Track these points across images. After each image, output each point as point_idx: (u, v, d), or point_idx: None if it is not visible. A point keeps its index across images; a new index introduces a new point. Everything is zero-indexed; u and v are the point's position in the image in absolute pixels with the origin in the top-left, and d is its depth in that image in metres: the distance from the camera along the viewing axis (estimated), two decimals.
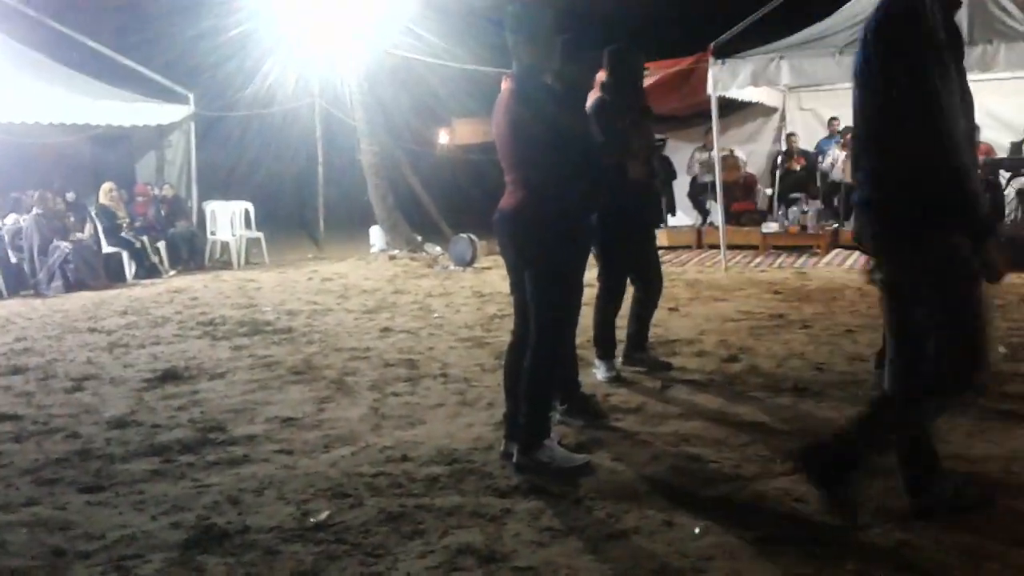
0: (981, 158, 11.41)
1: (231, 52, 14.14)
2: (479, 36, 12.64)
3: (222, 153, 16.45)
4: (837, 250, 10.92)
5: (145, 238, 11.35)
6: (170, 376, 5.56)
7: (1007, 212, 11.29)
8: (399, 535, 3.08)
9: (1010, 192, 11.34)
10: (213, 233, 12.59)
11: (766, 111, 13.38)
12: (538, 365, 3.67)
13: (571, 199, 3.68)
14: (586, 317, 5.09)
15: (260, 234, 12.89)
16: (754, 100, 12.51)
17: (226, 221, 12.62)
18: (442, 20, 13.62)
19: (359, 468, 3.77)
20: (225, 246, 12.54)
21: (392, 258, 12.37)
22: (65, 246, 10.06)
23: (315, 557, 2.95)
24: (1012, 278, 8.26)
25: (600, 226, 4.88)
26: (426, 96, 16.23)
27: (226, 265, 12.21)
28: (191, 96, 13.26)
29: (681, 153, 12.59)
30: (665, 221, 12.43)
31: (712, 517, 3.13)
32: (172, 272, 11.42)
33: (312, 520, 3.23)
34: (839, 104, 12.50)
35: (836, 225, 11.49)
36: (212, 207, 12.72)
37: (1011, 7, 10.69)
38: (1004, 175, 11.38)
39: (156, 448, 4.16)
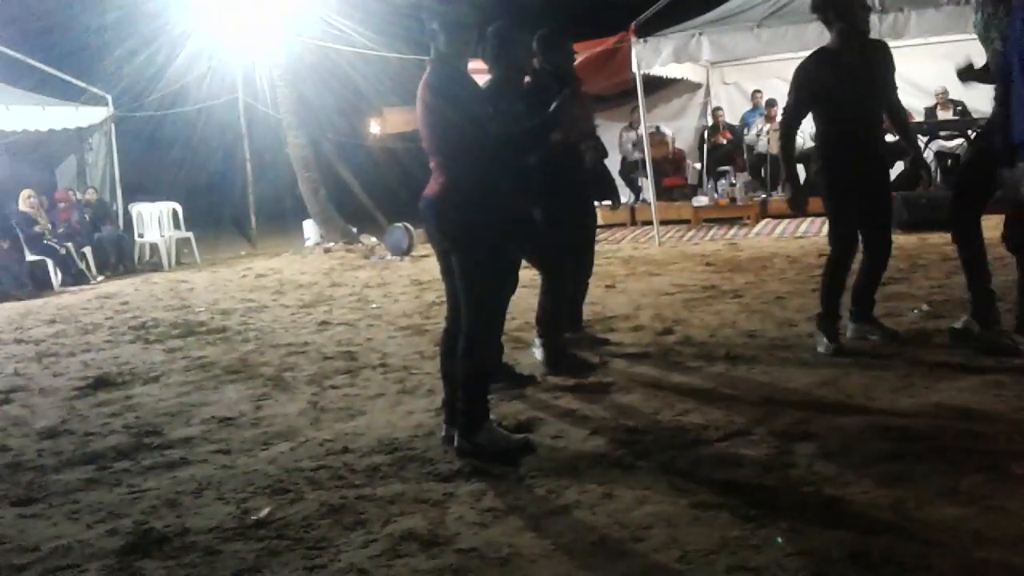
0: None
1: (147, 50, 13.82)
2: (400, 29, 12.59)
3: (146, 154, 16.10)
4: (766, 220, 11.14)
5: (70, 244, 11.06)
6: (102, 383, 5.45)
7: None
8: (341, 526, 3.08)
9: (928, 155, 11.67)
10: (141, 235, 12.33)
11: (691, 87, 13.54)
12: (472, 349, 3.69)
13: (491, 183, 3.69)
14: (523, 299, 5.14)
15: (190, 234, 12.67)
16: (678, 77, 12.66)
17: (153, 222, 12.37)
18: (363, 15, 13.49)
19: (299, 463, 3.75)
20: (154, 248, 12.29)
21: (327, 251, 12.26)
22: None
23: (257, 554, 2.94)
24: (933, 237, 8.54)
25: (552, 204, 4.97)
26: (349, 88, 16.06)
27: (156, 267, 11.98)
28: (109, 97, 12.94)
29: (610, 133, 12.67)
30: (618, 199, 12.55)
31: (650, 487, 3.19)
32: (100, 277, 11.16)
33: (253, 518, 3.21)
34: (760, 77, 12.76)
35: (764, 196, 11.72)
36: (138, 209, 12.45)
37: None
38: (922, 139, 11.71)
39: (90, 456, 4.08)
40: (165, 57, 13.76)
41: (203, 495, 3.49)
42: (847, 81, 4.53)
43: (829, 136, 4.67)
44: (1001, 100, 4.12)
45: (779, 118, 12.22)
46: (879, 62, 4.63)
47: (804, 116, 4.75)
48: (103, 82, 13.03)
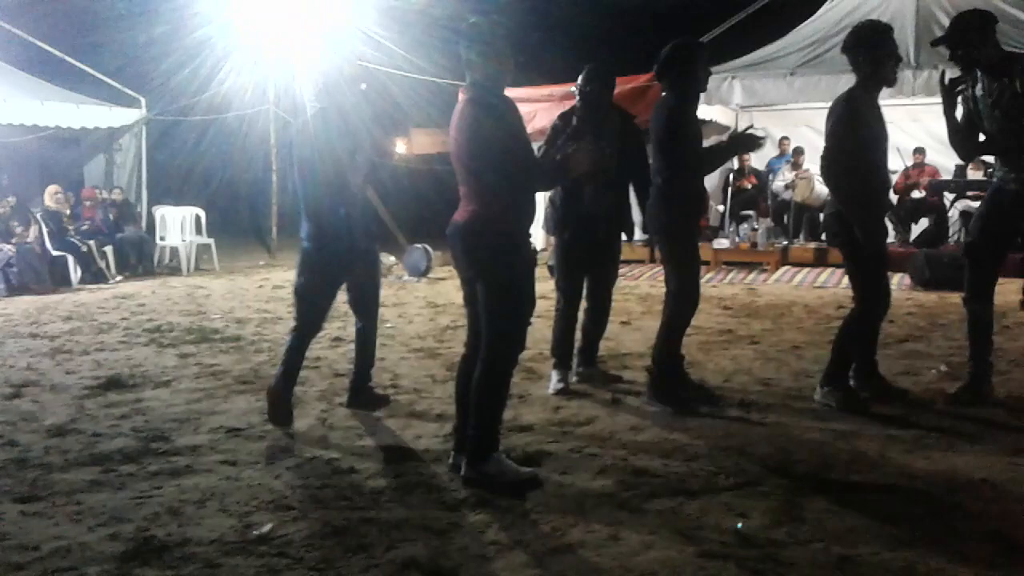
0: (926, 179, 11.72)
1: (186, 57, 14.00)
2: (439, 46, 12.65)
3: (175, 158, 16.23)
4: (786, 267, 11.09)
5: (92, 242, 11.13)
6: (113, 384, 5.45)
7: (951, 233, 11.58)
8: (343, 549, 3.05)
9: (954, 213, 11.63)
10: (162, 238, 12.41)
11: (719, 129, 13.55)
12: (489, 378, 3.67)
13: (523, 211, 3.70)
14: (537, 330, 5.13)
15: (211, 240, 12.73)
16: (707, 118, 12.68)
17: (176, 226, 12.45)
18: (403, 30, 13.60)
19: (304, 480, 3.73)
20: (174, 252, 12.35)
21: None
22: (8, 249, 9.83)
23: (256, 571, 2.91)
24: (952, 297, 8.46)
25: (573, 236, 5.01)
26: (387, 105, 16.15)
27: (175, 271, 12.03)
28: (143, 100, 13.08)
29: None
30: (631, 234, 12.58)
31: (657, 531, 3.15)
32: (119, 277, 11.22)
33: (254, 533, 3.19)
34: (789, 124, 12.78)
35: (785, 243, 11.68)
36: (162, 212, 12.54)
37: None
38: (948, 197, 11.67)
39: (96, 457, 4.07)
40: (203, 64, 13.91)
41: (206, 505, 3.47)
42: (877, 125, 4.54)
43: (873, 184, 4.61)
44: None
45: (805, 165, 12.22)
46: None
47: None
48: (140, 85, 13.17)
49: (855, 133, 4.48)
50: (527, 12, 15.70)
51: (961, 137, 4.70)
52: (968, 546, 2.96)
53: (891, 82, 4.52)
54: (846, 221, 4.56)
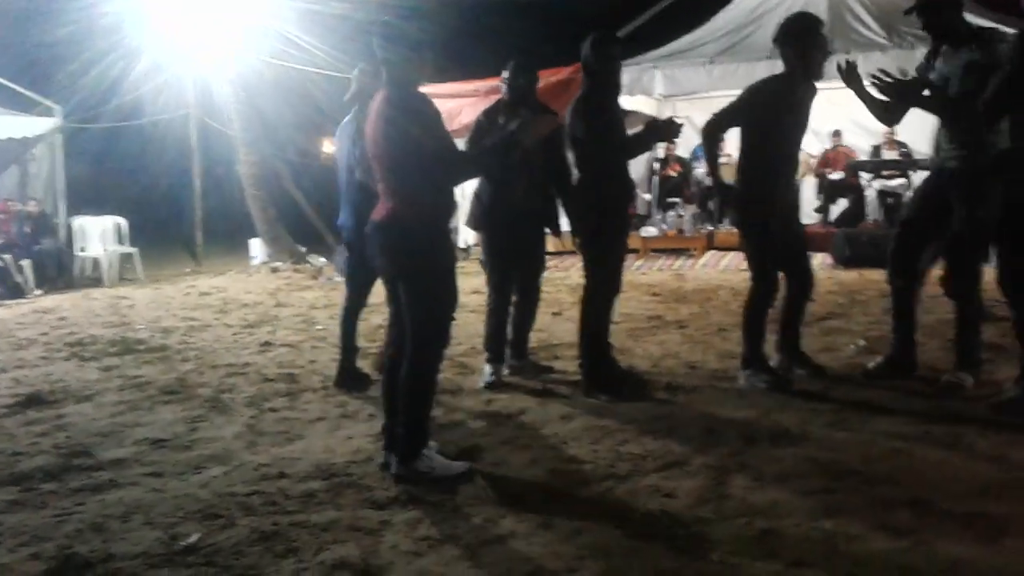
0: (844, 160, 12.03)
1: (100, 62, 13.59)
2: (361, 46, 12.52)
3: (93, 166, 15.81)
4: (712, 252, 11.29)
5: (8, 256, 10.77)
6: (33, 400, 5.29)
7: (868, 212, 11.91)
8: (272, 554, 3.02)
9: (871, 193, 11.96)
10: (83, 249, 12.07)
11: (642, 120, 13.63)
12: (416, 375, 3.67)
13: (444, 208, 3.71)
14: (470, 324, 5.15)
15: (134, 249, 12.43)
16: (631, 109, 12.82)
17: (96, 237, 12.13)
18: (324, 34, 13.43)
19: (232, 488, 3.68)
20: (95, 263, 12.02)
21: (274, 270, 12.13)
22: None
23: None
24: (871, 274, 8.73)
25: (502, 231, 5.01)
26: (310, 107, 15.95)
27: (97, 282, 11.71)
28: (58, 108, 12.70)
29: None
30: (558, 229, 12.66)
31: (587, 517, 3.19)
32: (38, 291, 10.87)
33: (181, 544, 3.13)
34: (711, 111, 12.89)
35: (711, 228, 11.89)
36: (81, 222, 12.19)
37: (868, 18, 11.32)
38: (865, 177, 12.00)
39: (15, 477, 3.95)
40: (119, 70, 13.55)
41: (131, 519, 3.40)
42: (793, 115, 4.64)
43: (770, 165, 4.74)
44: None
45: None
46: (810, 106, 4.75)
47: (728, 129, 4.81)
48: (55, 94, 12.77)
49: (741, 105, 4.66)
50: (448, 6, 15.67)
51: (879, 107, 4.75)
52: (886, 513, 3.06)
53: (818, 75, 4.64)
54: (740, 199, 4.72)
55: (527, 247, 5.30)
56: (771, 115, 4.60)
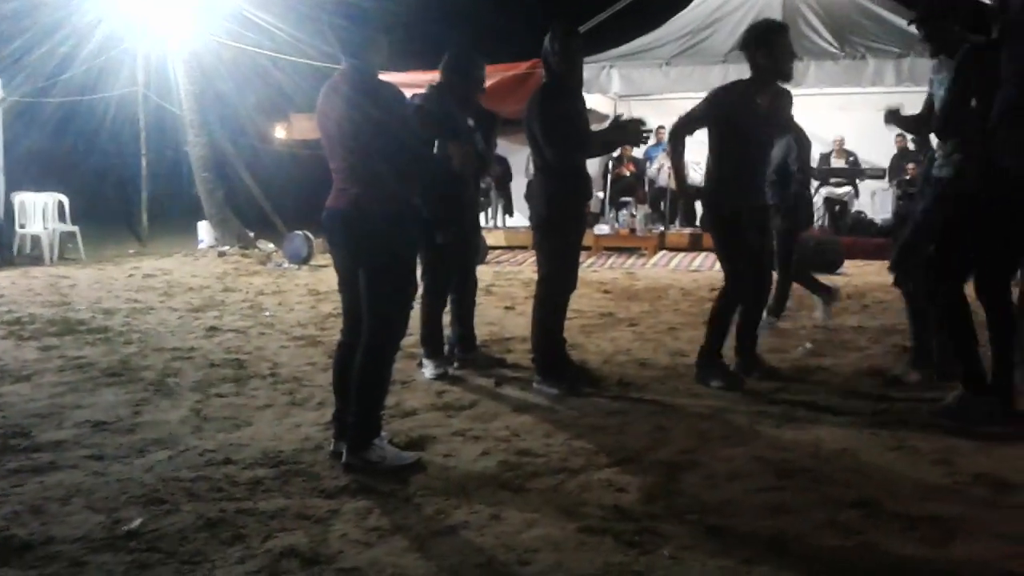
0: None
1: (45, 34, 13.18)
2: (324, 31, 12.29)
3: (35, 141, 15.35)
4: (663, 252, 11.39)
5: None
6: None
7: (815, 219, 12.12)
8: (218, 541, 2.95)
9: (818, 200, 12.18)
10: (22, 226, 11.72)
11: (598, 118, 13.69)
12: (371, 364, 3.62)
13: (406, 195, 3.67)
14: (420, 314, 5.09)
15: (76, 228, 12.11)
16: (587, 107, 12.86)
17: (37, 213, 11.79)
18: (281, 10, 13.17)
19: (176, 473, 3.59)
20: (36, 240, 11.70)
21: (222, 255, 11.92)
22: None
23: (126, 567, 2.79)
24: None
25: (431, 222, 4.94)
26: (266, 88, 15.66)
27: (37, 261, 11.40)
28: None
29: (517, 156, 12.79)
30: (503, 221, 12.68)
31: (539, 509, 3.18)
32: None
33: (124, 528, 3.05)
34: (665, 113, 13.05)
35: (662, 228, 12.00)
36: (21, 198, 11.84)
37: (820, 27, 11.52)
38: (813, 184, 12.21)
39: None
40: (69, 46, 13.14)
41: (71, 503, 3.30)
42: (759, 119, 4.69)
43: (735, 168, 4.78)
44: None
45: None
46: (783, 109, 4.82)
47: (693, 132, 4.87)
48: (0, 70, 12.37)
49: (704, 108, 4.73)
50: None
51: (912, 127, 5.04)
52: (835, 513, 3.10)
53: (789, 76, 4.70)
54: (710, 200, 4.78)
55: (462, 238, 5.25)
56: (736, 118, 4.65)
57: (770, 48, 4.61)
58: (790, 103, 4.86)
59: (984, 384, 4.07)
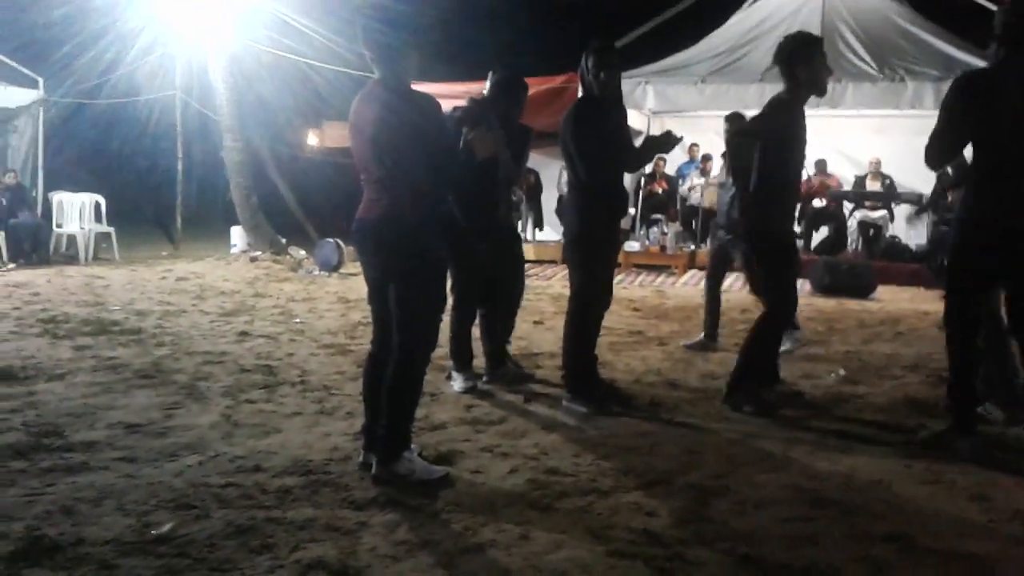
0: (827, 188, 12.11)
1: (90, 37, 13.38)
2: (362, 34, 12.34)
3: (75, 142, 15.59)
4: (693, 271, 11.32)
5: None
6: (3, 376, 5.19)
7: (849, 242, 12.01)
8: (247, 549, 2.96)
9: (852, 223, 12.07)
10: (59, 225, 11.89)
11: (632, 134, 13.73)
12: (402, 376, 3.62)
13: (438, 207, 3.67)
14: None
15: (111, 229, 12.26)
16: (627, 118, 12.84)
17: (74, 213, 11.96)
18: (320, 15, 13.25)
19: (207, 478, 3.61)
20: (72, 239, 11.86)
21: (254, 260, 12.01)
22: None
23: (155, 572, 2.80)
24: (850, 303, 8.80)
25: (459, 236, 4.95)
26: (306, 96, 15.74)
27: (72, 260, 11.55)
28: (41, 81, 12.51)
29: (550, 169, 12.79)
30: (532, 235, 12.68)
31: (567, 530, 3.16)
32: (12, 265, 10.71)
33: (153, 532, 3.07)
34: (699, 130, 13.05)
35: (693, 247, 11.93)
36: (59, 198, 12.02)
37: (860, 48, 11.43)
38: (848, 206, 12.12)
39: None
40: (114, 53, 13.33)
41: (102, 504, 3.33)
42: (802, 134, 4.65)
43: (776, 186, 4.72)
44: None
45: (714, 173, 12.53)
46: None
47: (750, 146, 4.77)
48: (39, 66, 12.57)
49: (777, 138, 4.61)
50: (454, 7, 15.65)
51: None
52: (867, 546, 3.05)
53: (824, 91, 4.64)
54: (753, 225, 4.72)
55: (501, 256, 5.26)
56: (789, 135, 4.59)
57: (810, 61, 4.55)
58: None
59: (974, 426, 4.07)
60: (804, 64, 4.52)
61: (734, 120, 6.24)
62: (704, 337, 6.51)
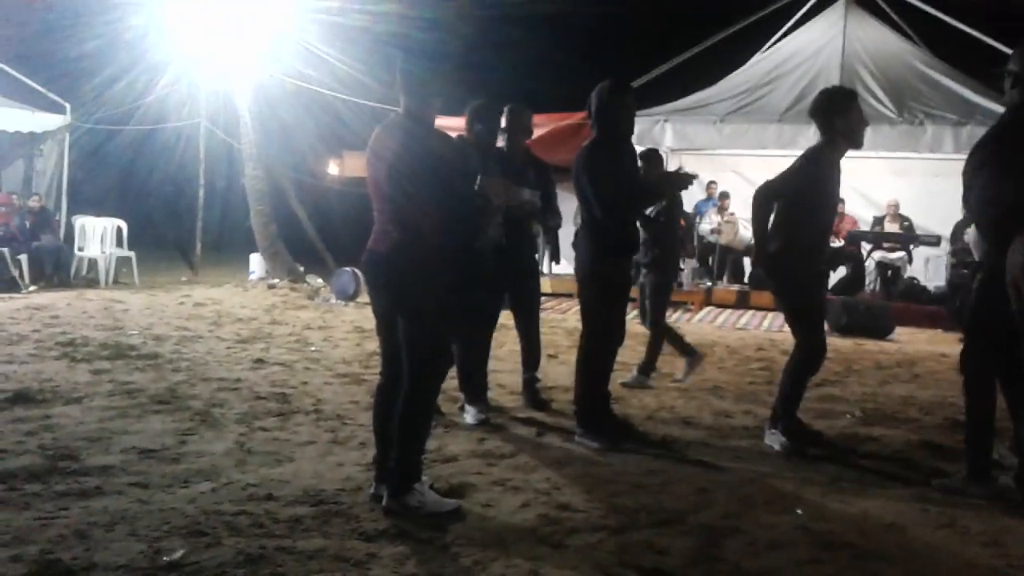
0: (845, 229, 12.10)
1: (118, 65, 13.62)
2: (381, 58, 12.50)
3: (99, 168, 15.80)
4: (709, 308, 11.30)
5: (6, 250, 10.73)
6: (21, 398, 5.24)
7: (867, 282, 11.97)
8: None
9: (870, 263, 12.03)
10: (81, 249, 12.03)
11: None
12: (412, 409, 3.63)
13: (449, 242, 3.69)
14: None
15: (131, 253, 12.39)
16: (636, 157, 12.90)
17: (96, 237, 12.09)
18: (347, 48, 13.44)
19: (219, 506, 3.63)
20: (93, 263, 11.99)
21: (271, 287, 12.08)
22: None
23: None
24: (867, 344, 8.75)
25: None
26: (326, 126, 15.92)
27: (92, 283, 11.67)
28: (68, 106, 12.73)
29: (568, 204, 12.80)
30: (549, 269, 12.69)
31: (577, 567, 3.15)
32: (33, 288, 10.82)
33: (165, 559, 3.08)
34: (717, 169, 13.11)
35: (710, 284, 11.92)
36: (82, 222, 12.16)
37: (879, 91, 11.47)
38: (865, 247, 12.08)
39: (0, 475, 3.90)
40: (136, 76, 13.56)
41: (115, 529, 3.35)
42: (835, 183, 4.70)
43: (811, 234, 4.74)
44: None
45: (730, 209, 12.52)
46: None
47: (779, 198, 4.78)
48: (66, 91, 12.79)
49: (790, 179, 4.65)
50: (466, 19, 15.84)
51: None
52: None
53: (860, 144, 4.70)
54: (792, 264, 4.70)
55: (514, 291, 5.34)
56: (822, 185, 4.64)
57: (847, 115, 4.61)
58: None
59: (988, 473, 4.04)
60: (842, 116, 4.60)
61: (650, 158, 6.25)
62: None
